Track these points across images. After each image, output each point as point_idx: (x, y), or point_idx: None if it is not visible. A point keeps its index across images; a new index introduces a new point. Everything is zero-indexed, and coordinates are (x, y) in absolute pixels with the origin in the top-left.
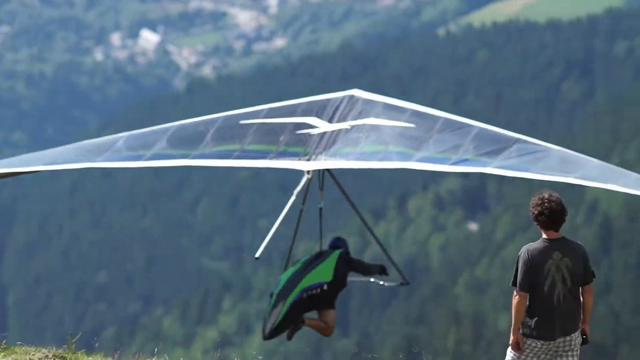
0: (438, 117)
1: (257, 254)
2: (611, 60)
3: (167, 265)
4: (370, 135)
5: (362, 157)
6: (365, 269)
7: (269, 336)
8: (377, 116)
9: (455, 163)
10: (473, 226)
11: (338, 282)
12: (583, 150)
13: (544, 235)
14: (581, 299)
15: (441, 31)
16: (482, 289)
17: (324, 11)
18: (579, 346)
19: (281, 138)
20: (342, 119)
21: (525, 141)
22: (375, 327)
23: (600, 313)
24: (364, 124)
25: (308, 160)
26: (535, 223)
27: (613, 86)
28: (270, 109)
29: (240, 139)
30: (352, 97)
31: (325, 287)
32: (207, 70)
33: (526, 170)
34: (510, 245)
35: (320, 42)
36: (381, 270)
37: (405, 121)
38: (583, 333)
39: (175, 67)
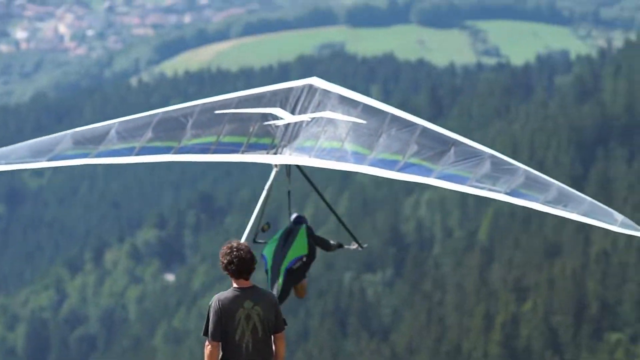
0: (386, 113)
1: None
2: None
3: None
4: (327, 130)
5: (322, 154)
6: (327, 246)
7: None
8: (333, 109)
9: (401, 169)
10: (170, 277)
11: (312, 254)
12: None
13: (235, 284)
14: (273, 346)
15: (134, 80)
16: (180, 340)
17: (16, 62)
18: None
19: (251, 129)
20: (304, 110)
21: (461, 143)
22: None
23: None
24: (322, 117)
25: (275, 153)
26: (226, 272)
27: None
28: (240, 99)
29: (216, 130)
30: (311, 86)
31: (304, 259)
32: None
33: (462, 182)
34: (207, 295)
35: (12, 94)
36: (339, 246)
37: (356, 116)
38: None
39: None
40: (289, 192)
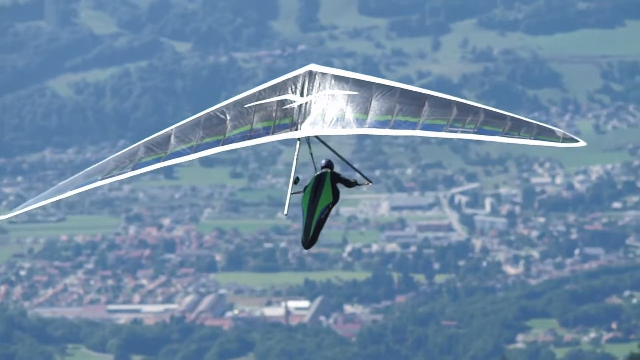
0: (371, 83)
1: (285, 212)
2: None
3: None
4: (330, 104)
5: (331, 124)
6: (348, 183)
7: (307, 247)
8: (331, 88)
9: (393, 127)
10: None
11: (335, 199)
12: None
13: None
14: None
15: None
16: None
17: None
18: None
19: (274, 115)
20: (309, 92)
21: (431, 96)
22: None
23: None
24: (324, 95)
25: (296, 129)
26: None
27: None
28: (260, 91)
29: (249, 119)
30: (310, 72)
31: (330, 206)
32: None
33: (439, 130)
34: None
35: None
36: (355, 183)
37: (349, 90)
38: None
39: None
40: (311, 154)
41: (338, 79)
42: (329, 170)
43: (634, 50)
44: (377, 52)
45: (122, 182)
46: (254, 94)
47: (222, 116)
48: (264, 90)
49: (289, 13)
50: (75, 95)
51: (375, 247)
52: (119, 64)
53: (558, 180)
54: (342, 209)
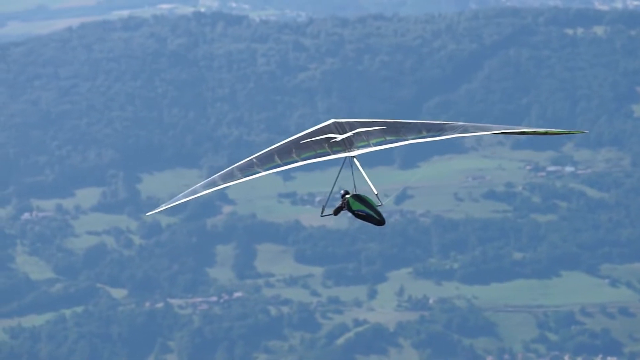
0: (386, 122)
1: (323, 213)
2: None
3: None
4: (364, 136)
5: (380, 143)
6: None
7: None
8: (361, 127)
9: (401, 140)
10: None
11: (349, 208)
12: None
13: None
14: None
15: None
16: None
17: None
18: None
19: (326, 145)
20: (345, 132)
21: (423, 123)
22: None
23: None
24: (358, 131)
25: (348, 152)
26: None
27: None
28: (303, 135)
29: (308, 149)
30: (336, 121)
31: (362, 212)
32: None
33: (440, 136)
34: None
35: None
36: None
37: (376, 126)
38: None
39: None
40: (352, 172)
41: (362, 122)
42: (355, 194)
43: (569, 300)
44: (314, 299)
45: None
46: (302, 136)
47: (287, 148)
48: (306, 135)
49: (225, 260)
50: (10, 339)
51: None
52: (55, 309)
53: None
54: None
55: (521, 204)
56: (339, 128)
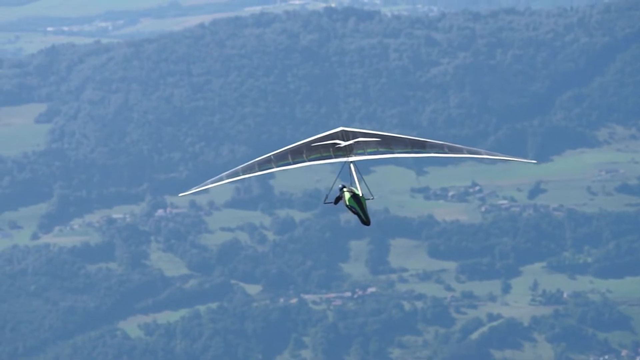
0: (386, 135)
1: (326, 201)
2: None
3: None
4: (364, 144)
5: (373, 153)
6: (355, 194)
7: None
8: (362, 137)
9: (398, 153)
10: None
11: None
12: None
13: None
14: None
15: None
16: None
17: None
18: None
19: (331, 149)
20: (348, 139)
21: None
22: None
23: None
24: (361, 140)
25: (347, 157)
26: None
27: None
28: (316, 139)
29: (317, 151)
30: (343, 130)
31: (353, 208)
32: None
33: (438, 153)
34: None
35: None
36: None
37: (374, 137)
38: None
39: None
40: (351, 175)
41: (365, 133)
42: (353, 192)
43: None
44: (447, 294)
45: None
46: (313, 140)
47: (299, 149)
48: (317, 139)
49: (358, 255)
50: (145, 336)
51: None
52: (190, 305)
53: None
54: None
55: None
56: (345, 136)
